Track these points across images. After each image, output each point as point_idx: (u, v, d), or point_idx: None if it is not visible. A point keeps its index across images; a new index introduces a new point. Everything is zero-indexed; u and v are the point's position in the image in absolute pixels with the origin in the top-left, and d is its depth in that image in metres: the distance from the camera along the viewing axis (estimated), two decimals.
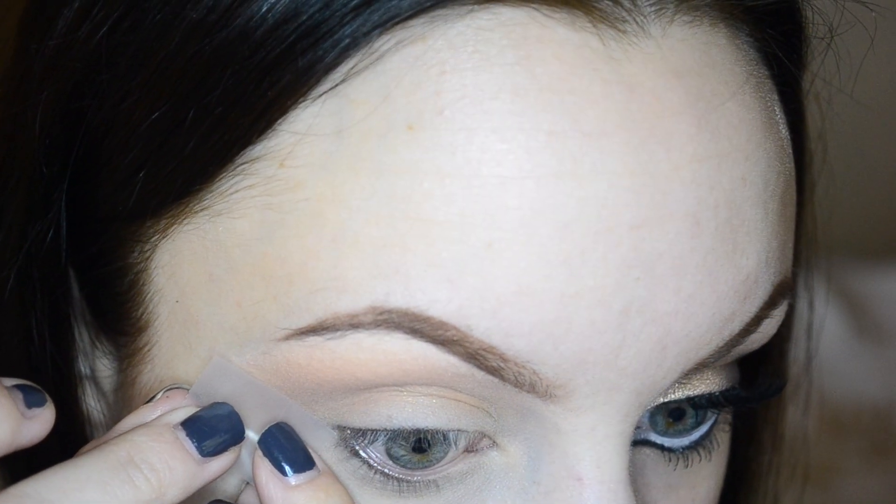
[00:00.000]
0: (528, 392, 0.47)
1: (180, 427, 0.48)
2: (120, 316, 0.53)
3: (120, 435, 0.47)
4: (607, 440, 0.48)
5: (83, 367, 0.56)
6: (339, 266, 0.46)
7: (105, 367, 0.56)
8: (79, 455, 0.46)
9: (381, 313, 0.46)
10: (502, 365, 0.46)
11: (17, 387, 0.47)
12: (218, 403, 0.49)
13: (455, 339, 0.46)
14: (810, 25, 0.54)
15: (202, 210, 0.49)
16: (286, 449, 0.48)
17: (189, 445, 0.47)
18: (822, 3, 0.54)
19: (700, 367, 0.50)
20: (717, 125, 0.47)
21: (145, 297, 0.51)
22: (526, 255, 0.45)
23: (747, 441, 0.66)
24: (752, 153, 0.48)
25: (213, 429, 0.48)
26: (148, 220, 0.50)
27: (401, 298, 0.46)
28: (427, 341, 0.46)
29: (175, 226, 0.49)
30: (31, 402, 0.47)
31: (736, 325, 0.49)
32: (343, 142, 0.46)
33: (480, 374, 0.47)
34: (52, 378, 0.51)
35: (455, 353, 0.46)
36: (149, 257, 0.51)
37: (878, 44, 0.58)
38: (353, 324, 0.46)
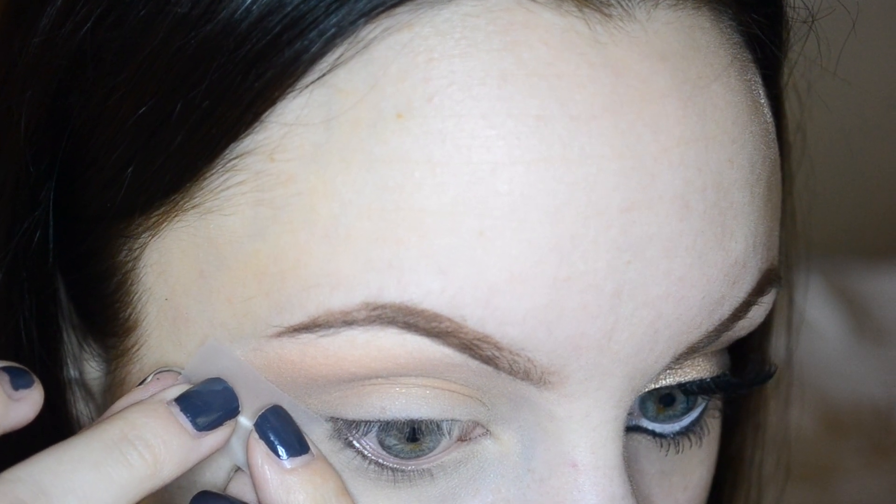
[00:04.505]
0: (523, 380, 0.47)
1: (174, 403, 0.47)
2: (108, 317, 0.52)
3: (113, 414, 0.47)
4: (602, 426, 0.48)
5: (72, 370, 0.56)
6: (332, 261, 0.46)
7: (93, 370, 0.55)
8: (73, 437, 0.46)
9: (374, 309, 0.46)
10: (497, 354, 0.46)
11: (3, 369, 0.47)
12: (212, 379, 0.48)
13: (449, 330, 0.46)
14: (792, 9, 0.54)
15: (192, 207, 0.48)
16: (281, 432, 0.48)
17: (184, 420, 0.47)
18: None
19: (691, 353, 0.50)
20: (704, 107, 0.47)
21: (134, 296, 0.51)
22: (517, 241, 0.45)
23: (730, 434, 0.66)
24: (738, 136, 0.48)
25: (207, 404, 0.48)
26: (136, 218, 0.50)
27: (394, 293, 0.45)
28: (421, 334, 0.46)
29: (165, 223, 0.49)
30: (19, 383, 0.47)
31: (726, 310, 0.49)
32: (332, 133, 0.46)
33: (475, 364, 0.46)
34: (42, 382, 0.51)
35: (449, 345, 0.46)
36: (137, 256, 0.50)
37: (863, 29, 0.58)
38: (346, 321, 0.46)
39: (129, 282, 0.51)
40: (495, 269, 0.45)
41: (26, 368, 0.48)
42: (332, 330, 0.46)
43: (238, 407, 0.48)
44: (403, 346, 0.46)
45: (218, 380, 0.48)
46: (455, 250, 0.45)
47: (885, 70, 1.77)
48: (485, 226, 0.45)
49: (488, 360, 0.46)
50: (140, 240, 0.50)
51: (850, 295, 1.71)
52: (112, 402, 0.52)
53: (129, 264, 0.51)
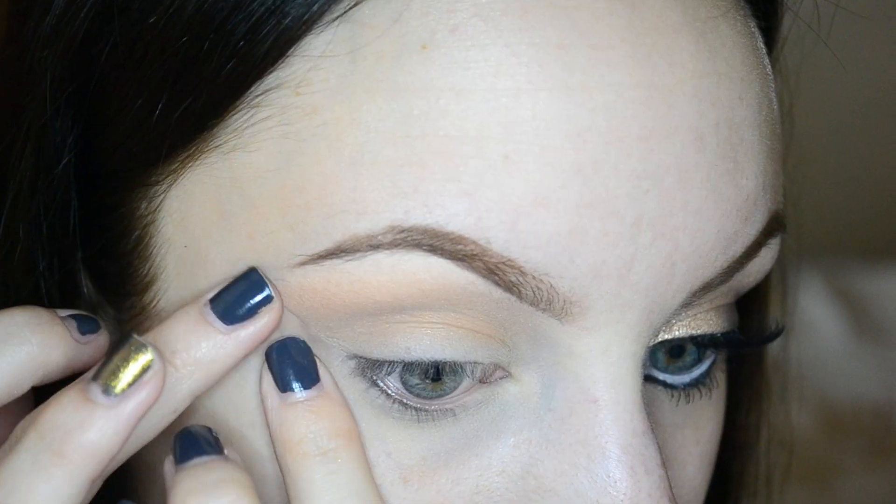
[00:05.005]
0: (545, 311, 0.48)
1: (207, 303, 0.48)
2: (125, 277, 0.53)
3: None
4: (621, 361, 0.49)
5: None
6: (357, 188, 0.46)
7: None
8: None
9: (400, 232, 0.46)
10: (521, 280, 0.47)
11: (71, 316, 0.49)
12: (246, 271, 0.49)
13: (474, 253, 0.46)
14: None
15: (216, 147, 0.49)
16: (280, 365, 0.48)
17: (213, 319, 0.48)
18: None
19: (706, 290, 0.50)
20: (714, 44, 0.49)
21: (153, 249, 0.51)
22: (541, 165, 0.46)
23: (735, 421, 0.67)
24: (746, 75, 0.50)
25: (235, 297, 0.48)
26: (159, 167, 0.50)
27: (420, 215, 0.46)
28: (446, 258, 0.46)
29: (188, 167, 0.50)
30: (85, 329, 0.49)
31: (739, 247, 0.50)
32: (357, 65, 0.47)
33: (498, 293, 0.47)
34: None
35: (474, 270, 0.46)
36: (157, 208, 0.51)
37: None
38: (372, 244, 0.46)
39: (149, 236, 0.51)
40: (520, 192, 0.46)
41: (93, 316, 0.50)
42: (357, 255, 0.47)
43: (270, 294, 0.48)
44: (429, 271, 0.46)
45: (251, 270, 0.49)
46: (480, 174, 0.46)
47: (887, 71, 1.77)
48: (509, 150, 0.46)
49: (511, 287, 0.47)
50: (161, 189, 0.51)
51: (850, 295, 1.71)
52: None
53: (149, 217, 0.51)
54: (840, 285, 1.72)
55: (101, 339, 0.50)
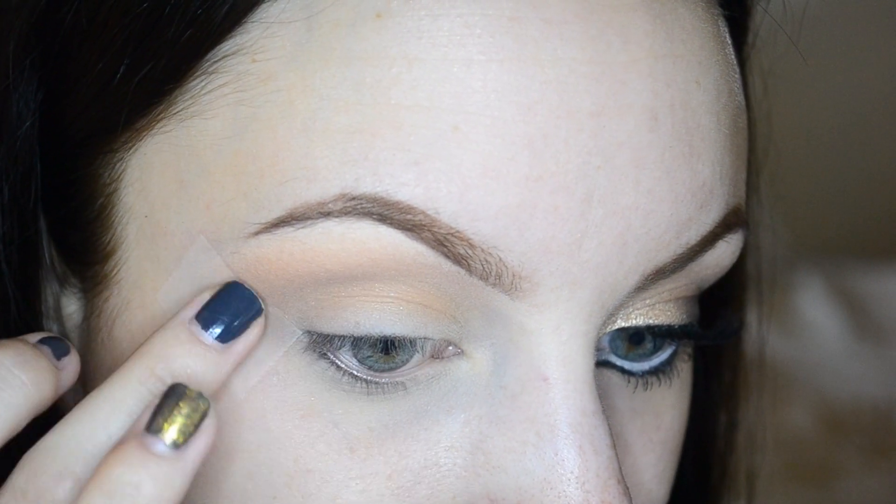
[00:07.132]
0: (494, 285, 0.47)
1: (195, 321, 0.48)
2: (88, 247, 0.53)
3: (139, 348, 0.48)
4: (572, 340, 0.49)
5: (51, 317, 0.56)
6: (309, 155, 0.47)
7: (69, 304, 0.56)
8: (104, 386, 0.47)
9: (350, 199, 0.46)
10: (469, 252, 0.47)
11: (43, 341, 0.49)
12: (228, 284, 0.49)
13: (423, 223, 0.46)
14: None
15: (174, 114, 0.49)
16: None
17: (207, 338, 0.48)
18: None
19: (659, 275, 0.50)
20: (672, 27, 0.49)
21: (114, 219, 0.52)
22: (491, 137, 0.46)
23: (712, 424, 0.67)
24: (704, 60, 0.50)
25: (228, 313, 0.48)
26: (120, 134, 0.50)
27: (369, 184, 0.46)
28: (395, 227, 0.46)
29: (147, 136, 0.50)
30: (59, 353, 0.49)
31: (693, 234, 0.50)
32: (313, 33, 0.47)
33: (447, 265, 0.47)
34: (20, 314, 0.52)
35: (423, 241, 0.46)
36: (119, 177, 0.51)
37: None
38: (322, 212, 0.47)
39: (111, 205, 0.52)
40: (469, 163, 0.46)
41: (60, 337, 0.49)
42: (308, 222, 0.47)
43: (261, 306, 0.48)
44: (378, 240, 0.46)
45: (234, 284, 0.48)
46: (430, 144, 0.46)
47: (887, 71, 1.77)
48: (459, 121, 0.46)
49: (461, 260, 0.47)
50: (123, 157, 0.51)
51: (850, 295, 1.71)
52: (87, 332, 0.54)
53: (111, 186, 0.51)
54: (840, 285, 1.72)
55: (73, 362, 0.49)
